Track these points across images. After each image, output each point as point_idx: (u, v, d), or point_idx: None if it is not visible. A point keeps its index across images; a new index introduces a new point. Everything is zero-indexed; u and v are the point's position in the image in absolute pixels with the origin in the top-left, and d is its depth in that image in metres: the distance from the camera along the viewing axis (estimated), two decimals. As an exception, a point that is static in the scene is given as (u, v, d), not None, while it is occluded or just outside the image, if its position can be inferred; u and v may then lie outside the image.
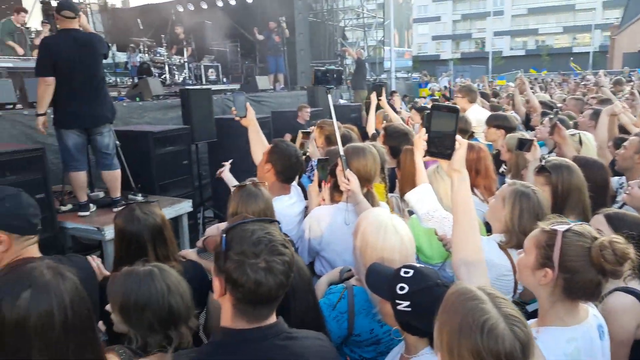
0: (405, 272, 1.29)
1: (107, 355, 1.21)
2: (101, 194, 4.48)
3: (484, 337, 0.91)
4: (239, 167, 5.98)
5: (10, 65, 7.09)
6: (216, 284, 1.13)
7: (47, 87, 3.68)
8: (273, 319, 1.16)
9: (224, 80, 11.20)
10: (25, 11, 8.21)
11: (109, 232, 3.67)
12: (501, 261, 1.73)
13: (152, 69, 9.38)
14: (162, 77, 9.63)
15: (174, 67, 10.23)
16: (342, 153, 2.05)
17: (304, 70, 11.83)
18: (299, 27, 11.47)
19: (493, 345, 0.90)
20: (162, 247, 1.81)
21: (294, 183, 2.61)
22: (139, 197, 4.45)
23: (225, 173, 2.87)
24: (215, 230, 2.69)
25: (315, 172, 2.10)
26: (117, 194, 4.13)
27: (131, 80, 9.12)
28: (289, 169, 2.44)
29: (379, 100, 4.58)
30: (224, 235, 1.11)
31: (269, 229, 1.14)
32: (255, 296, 1.08)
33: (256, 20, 12.41)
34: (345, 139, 2.81)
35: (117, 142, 4.26)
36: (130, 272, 1.39)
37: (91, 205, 4.08)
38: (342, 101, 10.98)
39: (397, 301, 1.25)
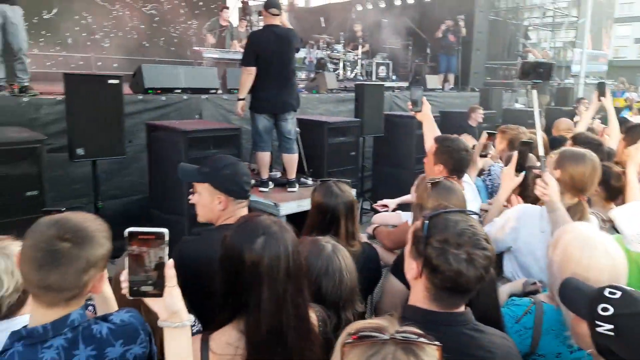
0: (611, 293, 1.16)
1: None
2: (278, 174, 4.96)
3: None
4: (402, 164, 6.10)
5: (215, 56, 8.26)
6: (412, 266, 1.18)
7: (248, 76, 4.20)
8: (462, 308, 1.17)
9: (393, 77, 11.32)
10: (228, 8, 9.47)
11: (284, 209, 4.05)
12: None
13: (328, 64, 9.96)
14: (336, 72, 10.15)
15: (348, 63, 10.69)
16: (541, 153, 1.92)
17: (477, 71, 11.26)
18: (478, 26, 10.93)
19: None
20: (351, 223, 1.94)
21: (469, 181, 2.53)
22: (310, 181, 4.82)
23: (382, 215, 2.86)
24: (380, 219, 2.77)
25: (515, 155, 2.01)
26: (292, 175, 4.53)
27: (307, 74, 9.82)
28: (460, 162, 2.37)
29: (600, 100, 3.70)
30: (427, 221, 1.16)
31: (471, 222, 1.16)
32: (453, 284, 1.11)
33: (433, 19, 12.22)
34: (556, 143, 2.61)
35: (298, 129, 4.66)
36: (316, 241, 1.54)
37: (270, 183, 4.56)
38: (517, 105, 10.19)
39: (598, 322, 1.13)
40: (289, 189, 4.49)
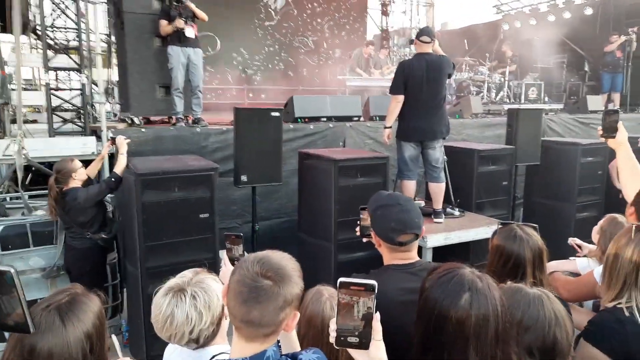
0: None
1: None
2: (422, 203, 4.82)
3: None
4: (561, 195, 5.47)
5: (357, 84, 8.50)
6: None
7: (397, 104, 4.19)
8: None
9: (545, 99, 10.38)
10: (372, 44, 9.75)
11: (431, 241, 3.89)
12: None
13: (471, 87, 9.54)
14: (480, 95, 9.67)
15: (493, 86, 10.12)
16: None
17: (651, 90, 9.74)
18: (653, 38, 9.51)
19: None
20: (540, 273, 1.75)
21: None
22: (456, 212, 4.58)
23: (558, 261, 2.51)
24: (555, 264, 2.46)
25: None
26: (439, 205, 4.36)
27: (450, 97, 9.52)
28: None
29: None
30: None
31: None
32: None
33: (592, 33, 11.00)
34: None
35: (445, 157, 4.49)
36: (519, 289, 1.38)
37: (415, 212, 4.43)
38: None
39: None
40: (435, 220, 4.31)
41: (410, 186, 4.30)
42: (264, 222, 5.14)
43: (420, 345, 1.17)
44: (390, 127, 4.37)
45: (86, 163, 3.93)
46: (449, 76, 4.24)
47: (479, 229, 4.18)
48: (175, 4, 5.01)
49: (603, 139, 2.22)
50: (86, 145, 4.55)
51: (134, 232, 3.27)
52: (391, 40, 13.64)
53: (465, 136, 6.81)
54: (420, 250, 4.07)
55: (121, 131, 4.62)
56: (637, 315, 1.54)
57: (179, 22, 4.95)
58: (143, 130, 4.74)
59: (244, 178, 3.67)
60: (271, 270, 1.09)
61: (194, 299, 1.41)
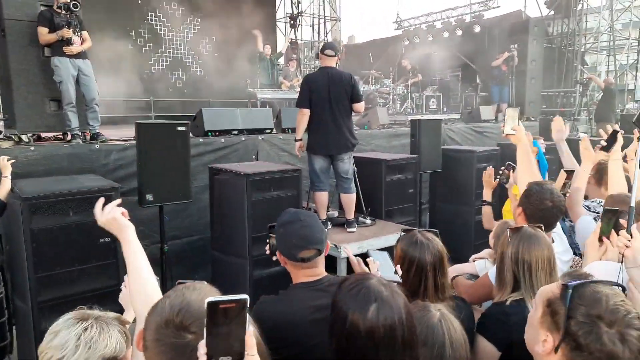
0: None
1: None
2: (335, 214, 4.91)
3: None
4: (461, 200, 5.89)
5: (268, 96, 8.49)
6: (543, 338, 1.07)
7: (303, 117, 4.25)
8: None
9: (444, 109, 11.18)
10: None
11: (345, 251, 3.96)
12: None
13: (377, 99, 9.99)
14: (386, 106, 10.16)
15: (397, 97, 10.68)
16: (633, 204, 1.74)
17: (533, 99, 10.93)
18: (532, 54, 10.68)
19: None
20: (441, 276, 1.81)
21: (558, 231, 2.35)
22: (368, 220, 4.73)
23: (458, 265, 2.71)
24: (455, 268, 2.61)
25: (598, 224, 1.84)
26: (351, 215, 4.47)
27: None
28: (542, 214, 2.20)
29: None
30: (570, 290, 1.04)
31: (622, 297, 1.03)
32: None
33: (482, 49, 12.08)
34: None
35: (355, 168, 4.62)
36: (425, 307, 1.41)
37: (328, 223, 4.50)
38: (581, 134, 9.69)
39: None
40: (348, 230, 4.42)
41: (322, 197, 4.36)
42: (175, 242, 4.90)
43: (336, 358, 1.16)
44: (301, 140, 4.41)
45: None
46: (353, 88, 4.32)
47: (389, 235, 4.35)
48: (63, 12, 4.58)
49: (505, 134, 2.48)
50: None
51: (23, 263, 2.93)
52: (301, 52, 13.87)
53: (374, 146, 7.07)
54: (334, 262, 4.18)
55: (6, 150, 4.14)
56: (525, 307, 1.68)
57: (66, 32, 4.54)
58: (32, 148, 4.29)
59: (149, 197, 3.46)
60: (196, 321, 0.96)
61: (84, 330, 1.27)
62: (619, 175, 2.62)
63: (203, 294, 1.02)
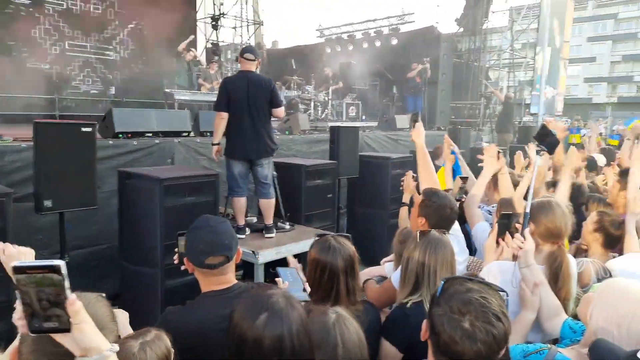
0: None
1: None
2: (254, 219, 4.85)
3: None
4: (377, 204, 6.11)
5: (186, 98, 8.21)
6: (424, 324, 1.18)
7: (221, 120, 4.14)
8: None
9: (363, 117, 11.54)
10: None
11: (262, 256, 3.93)
12: None
13: (299, 104, 10.07)
14: (307, 112, 10.27)
15: (319, 104, 10.85)
16: (527, 210, 1.91)
17: (443, 110, 11.71)
18: (442, 68, 11.44)
19: None
20: (352, 280, 1.84)
21: (454, 232, 2.52)
22: (287, 226, 4.73)
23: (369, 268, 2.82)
24: (366, 272, 2.69)
25: (495, 227, 1.99)
26: (270, 220, 4.43)
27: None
28: (444, 221, 2.35)
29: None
30: (443, 281, 1.17)
31: (488, 295, 1.12)
32: (445, 351, 1.09)
33: (399, 61, 12.68)
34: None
35: (275, 173, 4.60)
36: (324, 312, 1.41)
37: (247, 229, 4.44)
38: (484, 144, 10.52)
39: None
40: (267, 235, 4.38)
41: (240, 203, 4.28)
42: (79, 251, 4.55)
43: None
44: (219, 144, 4.31)
45: None
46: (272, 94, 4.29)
47: (308, 240, 4.37)
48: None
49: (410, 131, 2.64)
50: None
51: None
52: (222, 55, 13.60)
53: (295, 152, 7.11)
54: (251, 267, 4.13)
55: None
56: (424, 308, 1.78)
57: None
58: None
59: (47, 203, 3.17)
60: None
61: None
62: (508, 185, 3.04)
63: (86, 302, 1.00)
